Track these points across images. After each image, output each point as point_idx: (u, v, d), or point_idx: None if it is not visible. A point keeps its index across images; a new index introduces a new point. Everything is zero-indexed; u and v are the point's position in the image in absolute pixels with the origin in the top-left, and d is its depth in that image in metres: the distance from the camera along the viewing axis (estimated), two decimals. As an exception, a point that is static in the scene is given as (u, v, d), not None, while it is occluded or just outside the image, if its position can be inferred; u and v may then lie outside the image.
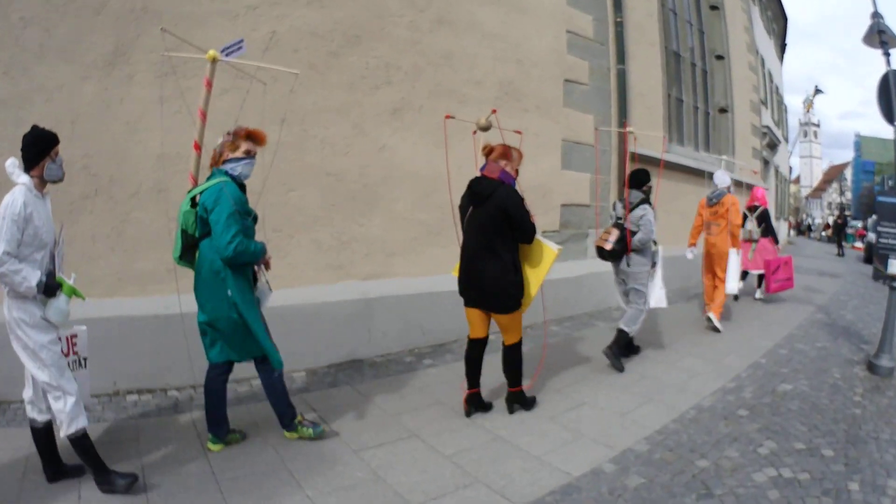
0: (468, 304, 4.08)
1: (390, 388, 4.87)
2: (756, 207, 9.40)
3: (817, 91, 31.61)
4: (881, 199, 5.83)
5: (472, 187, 3.89)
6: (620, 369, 5.43)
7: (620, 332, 5.52)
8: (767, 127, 16.57)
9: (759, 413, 4.54)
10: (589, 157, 8.13)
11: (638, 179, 5.54)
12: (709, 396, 4.93)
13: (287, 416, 3.62)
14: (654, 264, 5.68)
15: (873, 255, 5.57)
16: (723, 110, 12.80)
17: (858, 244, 24.07)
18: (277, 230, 4.82)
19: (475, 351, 4.17)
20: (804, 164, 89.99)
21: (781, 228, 23.63)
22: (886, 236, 5.69)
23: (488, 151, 3.97)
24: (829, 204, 79.87)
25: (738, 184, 12.56)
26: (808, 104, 33.31)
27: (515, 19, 7.18)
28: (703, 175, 11.02)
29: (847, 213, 42.01)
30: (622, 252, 5.41)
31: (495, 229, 3.78)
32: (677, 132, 11.34)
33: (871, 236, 18.27)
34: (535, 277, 4.04)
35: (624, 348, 5.62)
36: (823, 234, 36.89)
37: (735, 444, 3.91)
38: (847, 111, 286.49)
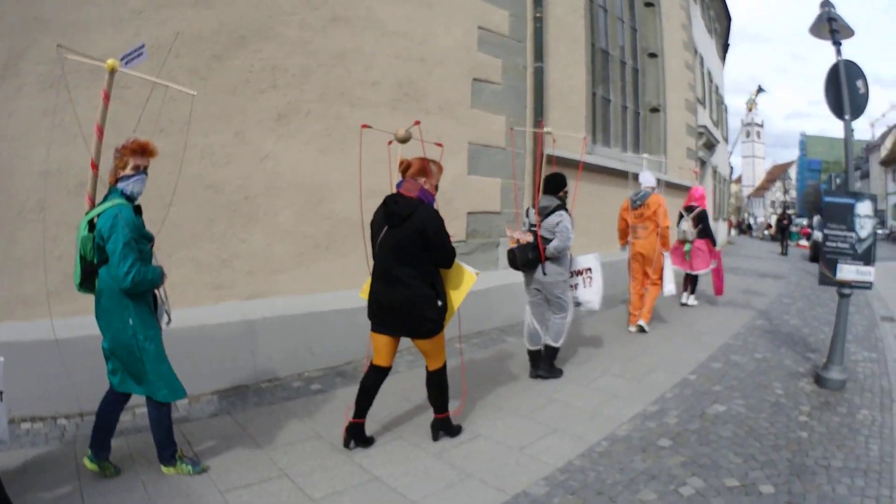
0: (377, 329, 3.84)
1: (271, 417, 4.46)
2: (693, 208, 9.15)
3: (760, 90, 31.62)
4: (828, 199, 5.41)
5: (389, 206, 3.65)
6: (559, 373, 5.41)
7: (548, 347, 5.34)
8: (704, 126, 16.34)
9: (684, 443, 3.99)
10: (500, 160, 7.68)
11: (553, 184, 5.28)
12: (625, 424, 4.37)
13: (167, 451, 3.44)
14: (587, 270, 5.58)
15: (819, 258, 5.28)
16: (654, 109, 12.42)
17: (803, 242, 24.29)
18: (156, 248, 4.54)
19: (374, 379, 3.91)
20: (746, 163, 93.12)
21: (720, 229, 23.62)
22: (834, 239, 5.25)
23: (405, 167, 3.77)
24: (773, 203, 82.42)
25: (671, 185, 12.23)
26: (751, 103, 33.36)
27: (421, 15, 6.77)
28: (635, 177, 10.66)
29: (791, 211, 42.87)
30: (536, 261, 5.16)
31: (413, 252, 3.59)
32: (603, 133, 10.92)
33: (817, 235, 18.42)
34: (454, 300, 3.91)
35: (551, 363, 5.45)
36: (766, 232, 37.39)
37: (652, 484, 3.40)
38: (793, 112, 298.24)
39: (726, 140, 28.42)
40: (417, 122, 3.93)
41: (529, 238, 5.23)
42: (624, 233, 7.50)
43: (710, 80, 21.70)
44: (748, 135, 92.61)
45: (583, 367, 5.83)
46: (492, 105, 7.62)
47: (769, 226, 38.61)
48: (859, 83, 5.37)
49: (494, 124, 7.66)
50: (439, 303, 3.69)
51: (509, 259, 5.25)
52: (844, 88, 5.32)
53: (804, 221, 32.24)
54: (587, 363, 5.93)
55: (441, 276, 3.82)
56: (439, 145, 4.15)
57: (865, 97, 5.37)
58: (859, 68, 5.39)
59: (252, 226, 5.38)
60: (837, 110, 5.40)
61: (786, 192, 79.88)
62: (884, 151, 48.41)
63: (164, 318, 3.54)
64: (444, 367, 3.93)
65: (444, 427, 4.03)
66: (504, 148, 7.73)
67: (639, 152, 12.06)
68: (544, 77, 8.37)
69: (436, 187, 3.87)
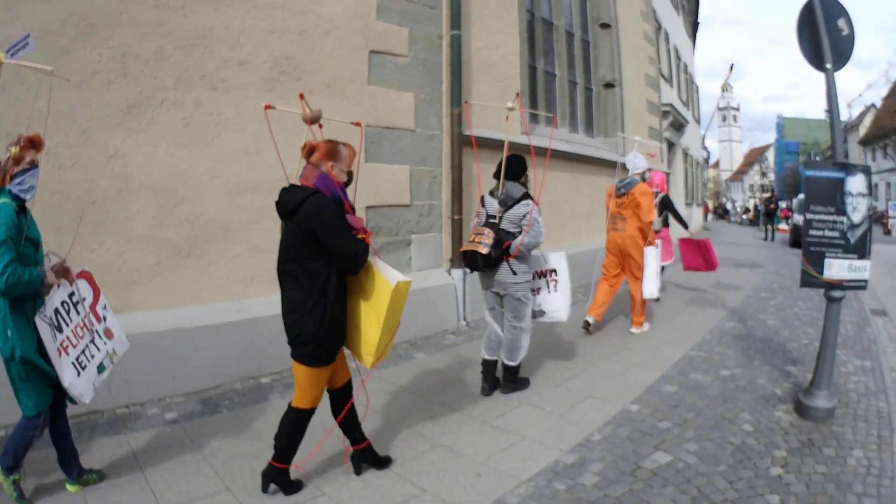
0: None
1: (113, 452, 3.68)
2: (655, 194, 8.06)
3: (732, 69, 30.21)
4: (810, 173, 4.11)
5: (279, 199, 3.17)
6: (526, 384, 4.82)
7: (507, 368, 4.71)
8: (671, 105, 15.06)
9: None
10: (408, 144, 6.55)
11: (516, 167, 4.62)
12: (522, 485, 3.20)
13: (4, 465, 3.10)
14: (552, 271, 4.94)
15: (803, 253, 4.12)
16: (609, 85, 11.06)
17: (783, 226, 23.11)
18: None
19: (333, 403, 3.43)
20: (724, 147, 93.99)
21: (695, 214, 22.46)
22: (819, 226, 4.01)
23: (308, 151, 3.22)
24: (751, 186, 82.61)
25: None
26: (725, 84, 32.19)
27: (302, -18, 5.77)
28: (583, 160, 9.42)
29: (780, 197, 42.20)
30: (500, 259, 4.47)
31: (299, 253, 3.04)
32: (546, 110, 9.59)
33: (798, 218, 17.55)
34: (374, 321, 3.15)
35: (514, 380, 4.77)
36: (745, 217, 36.56)
37: None
38: (771, 94, 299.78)
39: (698, 121, 27.31)
40: (301, 96, 3.28)
41: (482, 247, 4.41)
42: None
43: (679, 59, 20.50)
44: (724, 119, 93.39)
45: (496, 394, 4.67)
46: (396, 81, 6.45)
47: (747, 210, 37.81)
48: (841, 22, 4.16)
49: (400, 102, 6.48)
50: (324, 322, 3.03)
51: (466, 259, 4.53)
52: (823, 29, 4.11)
53: (783, 203, 31.11)
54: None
55: (344, 290, 3.17)
56: (357, 125, 3.58)
57: (850, 39, 4.17)
58: (840, 5, 4.19)
59: (102, 233, 4.79)
60: (816, 58, 4.19)
61: (763, 175, 79.72)
62: (862, 130, 47.44)
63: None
64: (310, 412, 3.21)
65: (279, 480, 3.23)
66: (413, 130, 6.56)
67: (593, 133, 10.79)
68: (464, 47, 7.16)
69: (349, 174, 3.29)
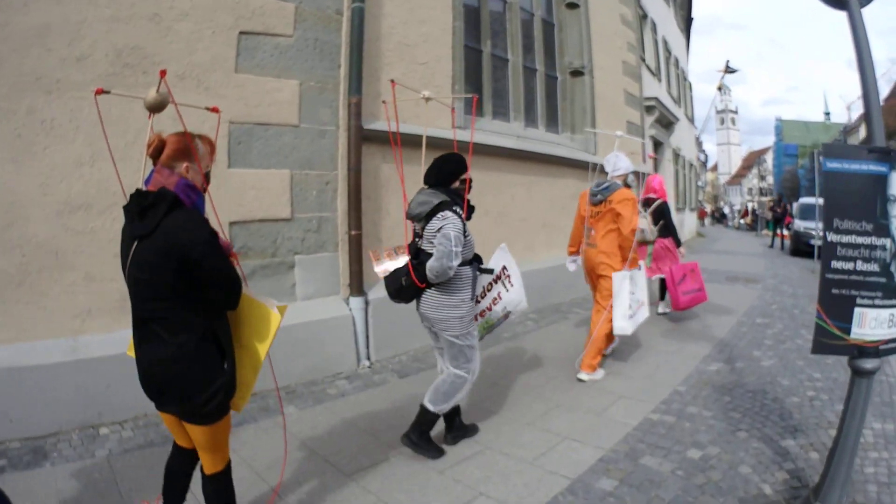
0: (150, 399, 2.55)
1: None
2: (652, 200, 7.36)
3: (728, 69, 28.29)
4: (833, 164, 2.63)
5: (127, 211, 2.35)
6: (437, 454, 3.66)
7: (423, 410, 3.69)
8: (656, 98, 13.47)
9: None
10: (288, 144, 5.21)
11: (438, 172, 3.71)
12: None
13: None
14: (503, 270, 4.08)
15: (819, 299, 2.45)
16: (577, 72, 9.45)
17: (784, 232, 21.53)
18: None
19: (178, 462, 2.71)
20: (722, 151, 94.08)
21: (688, 220, 20.85)
22: (848, 253, 2.54)
23: (156, 149, 2.38)
24: (750, 190, 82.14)
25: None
26: (720, 84, 30.42)
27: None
28: (541, 159, 7.95)
29: (767, 198, 40.98)
30: (413, 288, 3.59)
31: (164, 282, 2.25)
32: (494, 101, 8.06)
33: (799, 224, 16.38)
34: (250, 360, 2.57)
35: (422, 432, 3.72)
36: (742, 221, 35.14)
37: None
38: (770, 98, 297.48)
39: (692, 121, 25.76)
40: (163, 74, 2.42)
41: (397, 263, 3.78)
42: (577, 233, 5.55)
43: (669, 52, 18.98)
44: (722, 121, 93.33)
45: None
46: (275, 66, 5.16)
47: (746, 213, 36.43)
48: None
49: (279, 93, 5.15)
50: (224, 366, 2.38)
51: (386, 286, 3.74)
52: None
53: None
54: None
55: (227, 322, 2.49)
56: (214, 111, 2.82)
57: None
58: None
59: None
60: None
61: (762, 178, 79.12)
62: (862, 133, 46.53)
63: None
64: (227, 470, 2.59)
65: None
66: (297, 125, 5.21)
67: (557, 128, 9.24)
68: (372, 23, 5.79)
69: (207, 176, 2.51)
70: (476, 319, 3.96)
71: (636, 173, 5.96)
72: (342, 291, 5.49)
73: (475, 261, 3.71)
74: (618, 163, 5.27)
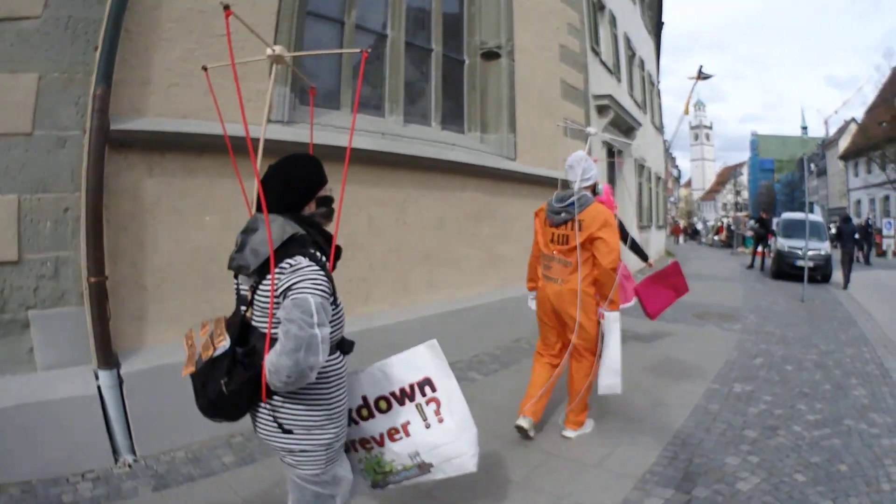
0: None
1: None
2: None
3: (702, 75, 26.23)
4: None
5: None
6: None
7: None
8: (609, 96, 11.27)
9: None
10: (18, 159, 3.64)
11: (292, 188, 2.15)
12: None
13: None
14: (424, 384, 2.39)
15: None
16: (492, 55, 7.12)
17: (758, 249, 19.50)
18: None
19: None
20: (696, 167, 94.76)
21: (653, 239, 18.66)
22: None
23: None
24: (724, 205, 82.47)
25: (529, 180, 7.16)
26: (688, 98, 28.54)
27: None
28: (427, 166, 5.73)
29: (743, 214, 39.58)
30: (242, 397, 2.02)
31: None
32: (367, 87, 5.85)
33: (782, 242, 15.11)
34: None
35: None
36: (716, 238, 33.30)
37: None
38: (748, 114, 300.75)
39: (660, 130, 23.77)
40: None
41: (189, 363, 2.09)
42: (535, 263, 4.30)
43: (633, 52, 16.97)
44: (696, 137, 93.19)
45: None
46: (11, 59, 3.65)
47: (721, 229, 34.63)
48: None
49: (12, 92, 3.64)
50: None
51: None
52: None
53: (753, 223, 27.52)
54: None
55: None
56: None
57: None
58: None
59: None
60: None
61: (738, 193, 78.64)
62: (842, 145, 45.86)
63: None
64: None
65: None
66: (29, 133, 3.65)
67: (463, 125, 6.97)
68: None
69: None
70: (355, 449, 2.44)
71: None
72: (93, 360, 3.75)
73: (348, 347, 2.25)
74: (588, 168, 4.03)
